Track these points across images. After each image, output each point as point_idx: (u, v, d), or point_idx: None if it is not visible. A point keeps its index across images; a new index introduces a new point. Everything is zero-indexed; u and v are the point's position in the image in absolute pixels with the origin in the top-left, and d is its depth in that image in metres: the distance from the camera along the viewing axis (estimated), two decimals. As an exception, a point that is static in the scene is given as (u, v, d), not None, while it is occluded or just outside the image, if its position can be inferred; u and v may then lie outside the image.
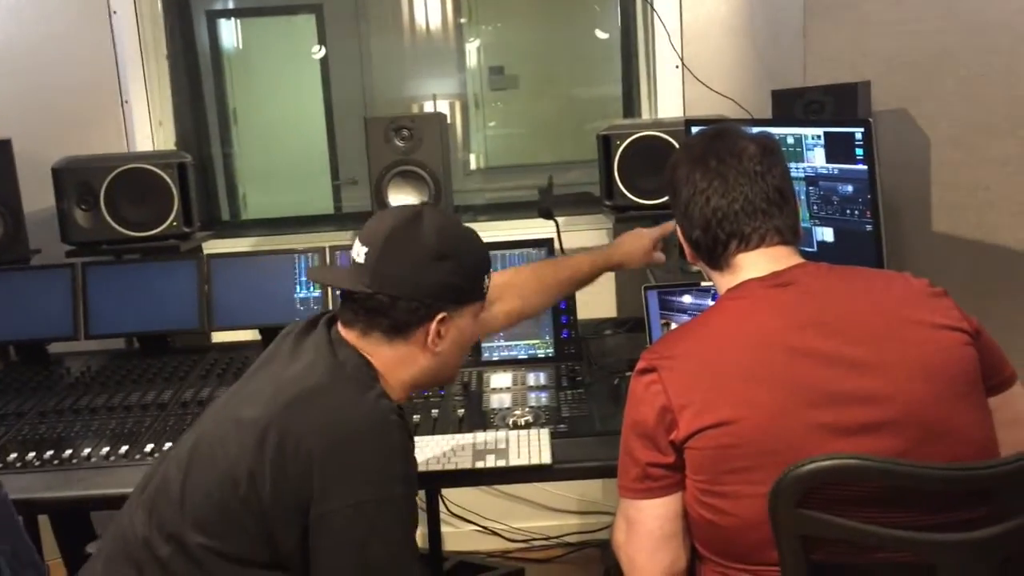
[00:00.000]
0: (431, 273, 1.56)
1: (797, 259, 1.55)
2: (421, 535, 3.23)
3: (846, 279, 1.52)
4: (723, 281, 1.58)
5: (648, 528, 1.47)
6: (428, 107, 5.30)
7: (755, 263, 1.53)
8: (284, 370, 1.56)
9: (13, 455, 2.06)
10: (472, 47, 5.53)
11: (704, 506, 1.42)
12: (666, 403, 1.42)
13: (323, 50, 5.25)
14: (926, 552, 1.27)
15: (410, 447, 1.54)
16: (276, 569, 1.48)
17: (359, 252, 1.57)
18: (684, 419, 1.40)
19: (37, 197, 2.76)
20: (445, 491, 3.23)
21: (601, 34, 4.70)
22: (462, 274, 1.60)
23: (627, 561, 1.52)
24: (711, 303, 2.35)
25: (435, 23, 5.50)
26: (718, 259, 1.57)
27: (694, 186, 1.56)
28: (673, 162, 1.63)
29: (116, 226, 2.71)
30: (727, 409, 1.38)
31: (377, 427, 1.47)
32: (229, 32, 5.30)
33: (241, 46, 5.37)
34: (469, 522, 3.34)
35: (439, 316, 1.57)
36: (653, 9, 3.03)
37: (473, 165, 5.61)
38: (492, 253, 2.50)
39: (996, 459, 1.30)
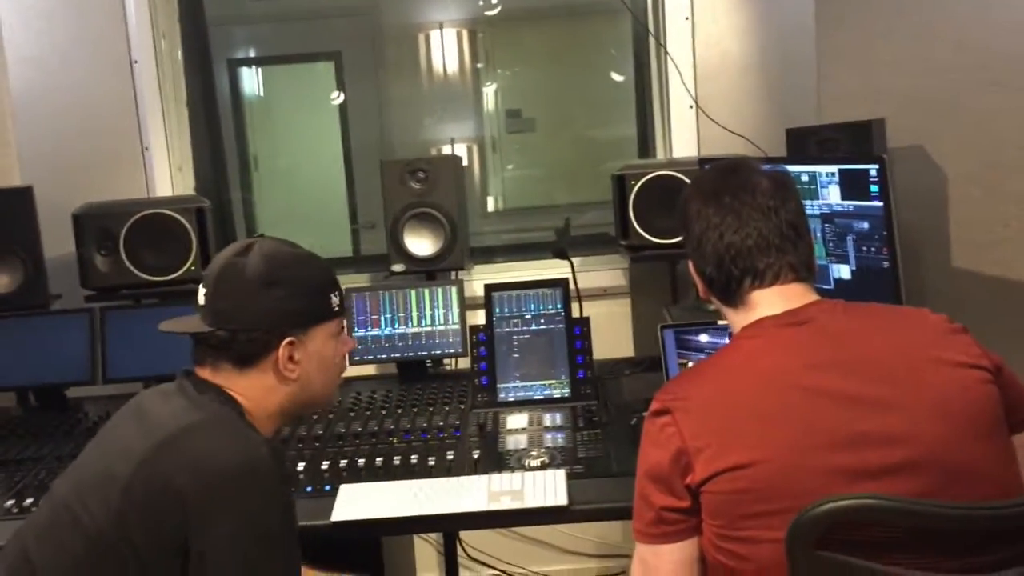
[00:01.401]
0: (262, 300, 1.56)
1: (813, 296, 1.53)
2: (439, 580, 3.20)
3: (863, 317, 1.50)
4: (737, 319, 1.56)
5: (663, 572, 1.45)
6: (446, 150, 5.34)
7: (770, 300, 1.51)
8: (144, 420, 1.55)
9: (29, 499, 2.06)
10: (489, 91, 5.58)
11: (722, 551, 1.39)
12: (681, 446, 1.39)
13: (342, 96, 5.31)
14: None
15: (285, 477, 1.52)
16: None
17: (200, 294, 1.60)
18: (700, 462, 1.37)
19: (59, 243, 2.79)
20: (464, 535, 3.20)
21: (617, 77, 4.74)
22: (298, 297, 1.59)
23: None
24: (728, 342, 2.35)
25: (452, 68, 5.55)
26: (732, 296, 1.55)
27: (707, 221, 1.54)
28: (685, 197, 1.62)
29: (135, 271, 2.73)
30: (743, 452, 1.35)
31: (248, 460, 1.45)
32: (250, 79, 5.38)
33: (262, 93, 5.45)
34: (488, 566, 3.30)
35: (285, 341, 1.57)
36: (666, 51, 3.05)
37: (491, 207, 5.63)
38: (509, 294, 2.54)
39: (1020, 498, 1.26)
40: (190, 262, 2.74)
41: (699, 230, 1.56)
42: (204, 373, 1.60)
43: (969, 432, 1.36)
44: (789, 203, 1.54)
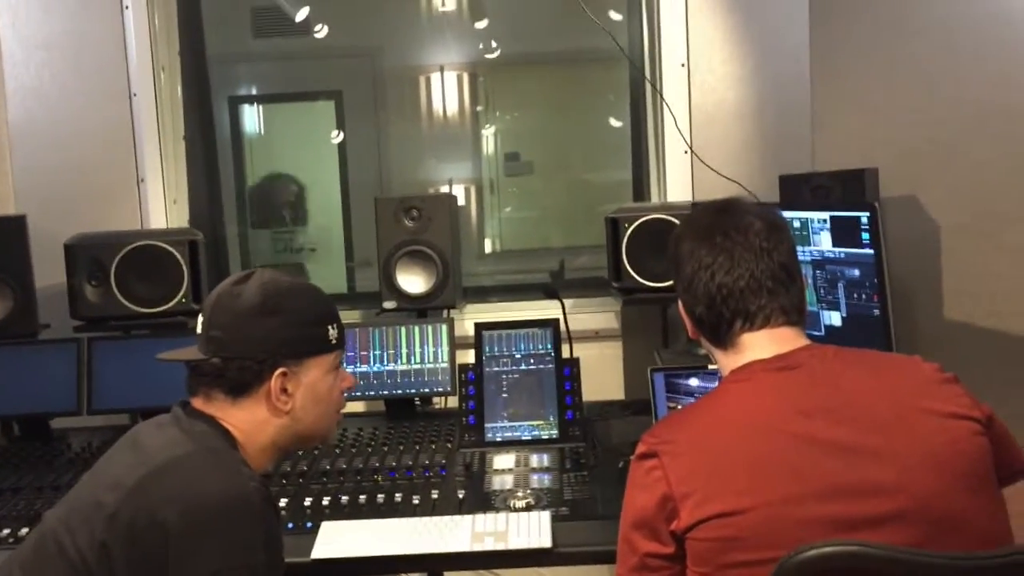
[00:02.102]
0: (256, 329, 1.55)
1: (803, 340, 1.51)
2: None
3: (854, 363, 1.48)
4: (727, 361, 1.54)
5: None
6: (444, 191, 5.36)
7: (760, 344, 1.50)
8: (137, 451, 1.53)
9: (6, 531, 2.03)
10: (488, 133, 5.61)
11: None
12: (667, 491, 1.37)
13: (341, 135, 5.34)
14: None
15: (273, 515, 1.49)
16: None
17: (198, 323, 1.59)
18: (686, 508, 1.35)
19: (51, 272, 2.78)
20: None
21: (615, 122, 4.77)
22: (293, 327, 1.58)
23: None
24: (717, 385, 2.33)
25: (452, 110, 5.59)
26: (722, 338, 1.53)
27: (699, 261, 1.53)
28: (677, 235, 1.61)
29: (125, 302, 2.71)
30: (730, 499, 1.33)
31: (234, 494, 1.43)
32: (251, 116, 5.41)
33: (263, 130, 5.47)
34: (473, 611, 3.24)
35: (277, 372, 1.56)
36: (662, 97, 3.07)
37: (488, 249, 5.63)
38: (499, 333, 2.52)
39: (1004, 548, 1.25)
40: (181, 294, 2.73)
41: (690, 270, 1.54)
42: (198, 403, 1.59)
43: (959, 484, 1.34)
44: (782, 245, 1.53)
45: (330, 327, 1.64)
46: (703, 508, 1.34)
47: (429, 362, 2.65)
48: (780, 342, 1.49)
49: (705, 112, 3.07)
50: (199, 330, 1.60)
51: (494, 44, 5.08)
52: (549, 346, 2.50)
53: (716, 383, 2.31)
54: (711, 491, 1.34)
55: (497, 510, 2.00)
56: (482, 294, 3.66)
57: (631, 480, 1.46)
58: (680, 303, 1.60)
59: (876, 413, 1.38)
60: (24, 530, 2.01)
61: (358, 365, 2.64)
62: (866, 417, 1.37)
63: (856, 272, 2.07)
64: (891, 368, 1.49)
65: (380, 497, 2.10)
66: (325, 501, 2.09)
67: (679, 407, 2.32)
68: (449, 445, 2.40)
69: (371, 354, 2.65)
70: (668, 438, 1.44)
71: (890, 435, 1.36)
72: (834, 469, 1.33)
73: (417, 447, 2.39)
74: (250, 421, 1.58)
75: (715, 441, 1.40)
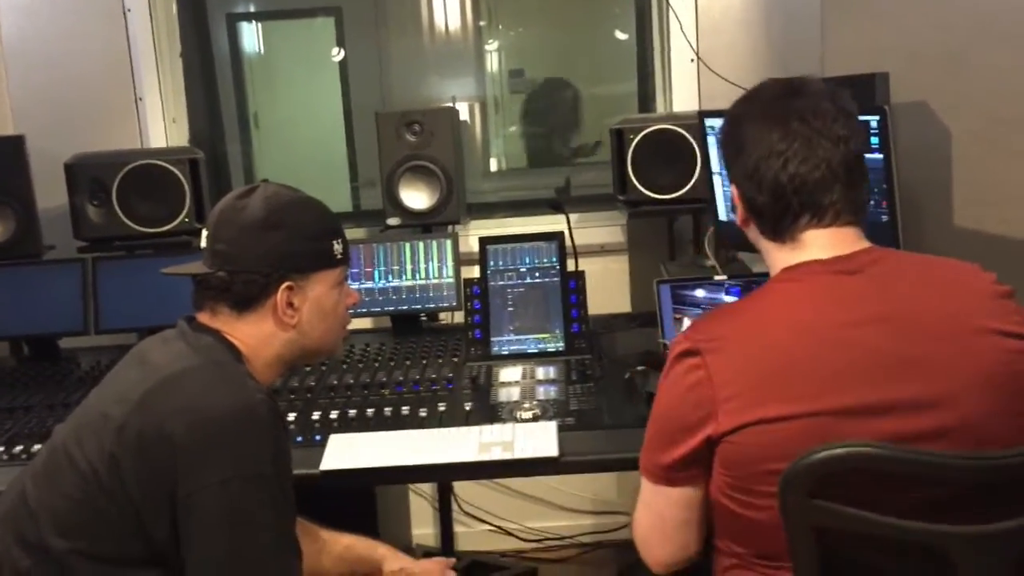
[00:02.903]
0: (261, 243, 1.54)
1: (864, 243, 1.42)
2: (433, 534, 3.22)
3: (913, 272, 1.40)
4: (780, 256, 1.44)
5: (669, 515, 1.42)
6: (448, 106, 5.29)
7: (822, 242, 1.40)
8: (144, 365, 1.53)
9: (19, 447, 2.05)
10: (491, 49, 5.51)
11: (732, 499, 1.34)
12: (709, 392, 1.32)
13: (342, 52, 5.25)
14: (943, 544, 1.21)
15: (280, 427, 1.50)
16: (152, 566, 1.44)
17: (203, 237, 1.58)
18: (728, 412, 1.30)
19: (52, 193, 2.77)
20: (458, 490, 3.21)
21: (621, 35, 4.67)
22: (297, 241, 1.57)
23: (640, 541, 1.48)
24: (725, 297, 2.32)
25: (454, 26, 5.47)
26: (783, 231, 1.43)
27: (769, 147, 1.40)
28: (736, 116, 1.48)
29: (128, 222, 2.70)
30: (774, 406, 1.28)
31: (241, 405, 1.43)
32: (250, 35, 5.31)
33: (262, 49, 5.38)
34: (483, 521, 3.31)
35: (283, 285, 1.56)
36: (668, 4, 2.99)
37: (494, 167, 5.59)
38: (504, 247, 2.51)
39: (1015, 448, 1.22)
40: (184, 213, 2.72)
41: (757, 154, 1.41)
42: (204, 318, 1.59)
43: (1010, 407, 1.30)
44: (859, 135, 1.43)
45: (335, 242, 1.63)
46: (744, 413, 1.29)
47: (434, 277, 2.64)
48: (842, 242, 1.40)
49: (712, 18, 3.00)
50: (204, 244, 1.59)
51: (496, -45, 4.96)
52: (554, 259, 2.48)
53: (722, 294, 2.32)
54: (756, 396, 1.29)
55: (504, 421, 2.01)
56: (488, 210, 3.64)
57: (668, 377, 1.39)
58: (735, 188, 1.49)
59: (932, 328, 1.32)
60: (36, 447, 2.03)
61: (363, 282, 2.63)
62: (921, 331, 1.31)
63: (865, 178, 2.04)
64: (950, 281, 1.41)
65: (387, 410, 2.11)
66: (333, 415, 2.10)
67: (686, 319, 2.32)
68: (455, 360, 2.40)
69: (376, 270, 2.64)
70: (713, 335, 1.36)
71: (944, 352, 1.30)
72: (884, 382, 1.28)
73: (424, 362, 2.39)
74: (256, 335, 1.58)
75: (763, 344, 1.33)
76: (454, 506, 3.16)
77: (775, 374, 1.30)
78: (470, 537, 3.27)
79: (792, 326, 1.34)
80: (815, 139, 1.39)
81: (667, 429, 1.39)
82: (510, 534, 3.32)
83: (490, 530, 3.32)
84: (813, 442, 1.23)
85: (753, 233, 1.50)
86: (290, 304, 1.58)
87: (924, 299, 1.36)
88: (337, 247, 1.63)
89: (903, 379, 1.29)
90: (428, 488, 3.23)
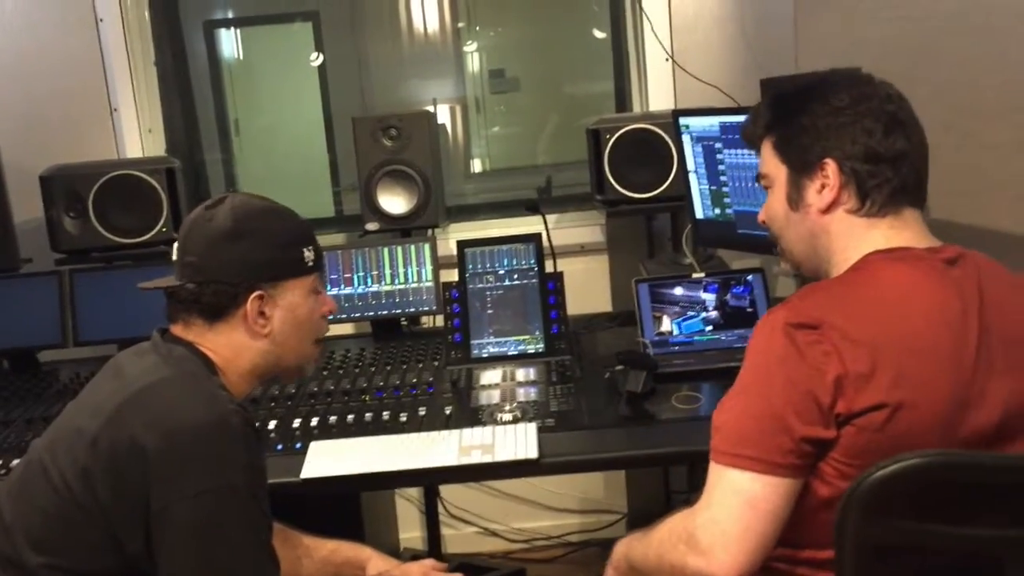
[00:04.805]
0: (229, 253, 1.54)
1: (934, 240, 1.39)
2: (420, 538, 3.22)
3: (993, 274, 1.37)
4: (869, 236, 1.37)
5: (778, 511, 1.24)
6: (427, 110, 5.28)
7: (916, 226, 1.36)
8: (117, 378, 1.53)
9: (-2, 461, 2.05)
10: (471, 50, 5.50)
11: (831, 486, 1.26)
12: (838, 366, 1.21)
13: (321, 57, 5.24)
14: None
15: (253, 438, 1.49)
16: None
17: (174, 250, 1.59)
18: (858, 388, 1.21)
19: (28, 206, 2.76)
20: (444, 493, 3.21)
21: (599, 33, 4.67)
22: (266, 249, 1.57)
23: (707, 548, 1.25)
24: (703, 295, 2.33)
25: (433, 27, 5.47)
26: (888, 202, 1.35)
27: (889, 117, 1.38)
28: (835, 89, 1.43)
29: (105, 233, 2.70)
30: (908, 390, 1.21)
31: (213, 417, 1.43)
32: (229, 42, 5.29)
33: (241, 56, 5.36)
34: (469, 523, 3.31)
35: (253, 295, 1.55)
36: (640, 6, 3.00)
37: (476, 168, 5.58)
38: (482, 250, 2.51)
39: None
40: (161, 223, 2.71)
41: (861, 128, 1.36)
42: (177, 330, 1.59)
43: None
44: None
45: (305, 249, 1.63)
46: (880, 393, 1.21)
47: (413, 282, 2.64)
48: (925, 232, 1.38)
49: (685, 17, 3.01)
50: (175, 257, 1.59)
51: (472, -44, 4.95)
52: (532, 261, 2.48)
53: (701, 292, 2.32)
54: (891, 375, 1.21)
55: (484, 424, 2.02)
56: (469, 212, 3.64)
57: (778, 350, 1.26)
58: (833, 164, 1.39)
59: (1020, 329, 1.30)
60: (15, 461, 2.02)
61: (342, 287, 2.63)
62: (1015, 332, 1.29)
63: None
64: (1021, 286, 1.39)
65: (368, 416, 2.11)
66: (313, 422, 2.10)
67: (665, 317, 2.32)
68: (436, 364, 2.41)
69: (355, 276, 2.64)
70: (832, 308, 1.27)
71: None
72: (993, 376, 1.26)
73: (404, 366, 2.39)
74: (228, 346, 1.58)
75: (889, 320, 1.26)
76: (440, 509, 3.16)
77: (905, 353, 1.23)
78: (458, 539, 3.28)
79: (916, 306, 1.27)
80: (909, 124, 1.40)
81: (791, 406, 1.23)
82: (497, 535, 3.33)
83: (477, 532, 3.33)
84: (940, 437, 1.20)
85: (842, 210, 1.39)
86: (261, 313, 1.57)
87: (1010, 302, 1.33)
88: (308, 255, 1.63)
89: (1008, 377, 1.26)
90: (414, 491, 3.24)
